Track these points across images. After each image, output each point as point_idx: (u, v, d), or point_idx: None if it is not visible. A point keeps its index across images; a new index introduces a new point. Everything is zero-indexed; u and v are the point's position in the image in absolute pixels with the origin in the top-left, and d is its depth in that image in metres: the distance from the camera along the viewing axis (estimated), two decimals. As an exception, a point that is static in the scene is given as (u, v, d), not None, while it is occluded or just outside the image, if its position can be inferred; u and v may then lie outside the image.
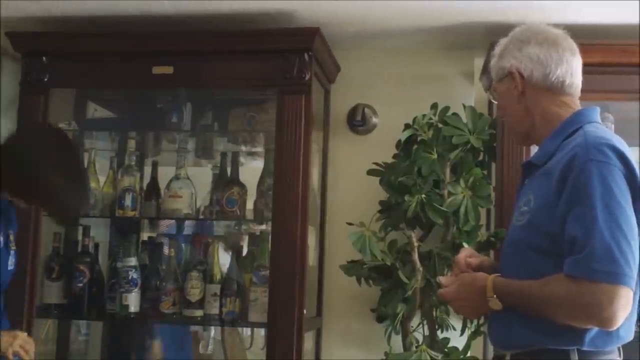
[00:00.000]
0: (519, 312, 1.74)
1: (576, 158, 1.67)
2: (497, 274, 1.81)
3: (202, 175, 3.39)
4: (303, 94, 2.96)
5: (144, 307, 3.15)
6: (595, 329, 1.66)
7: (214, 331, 3.54)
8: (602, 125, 1.85)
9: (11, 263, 2.49)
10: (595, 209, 1.61)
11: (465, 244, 2.65)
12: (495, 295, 1.75)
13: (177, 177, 3.23)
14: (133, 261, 3.16)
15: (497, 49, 1.98)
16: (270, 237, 2.99)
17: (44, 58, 3.12)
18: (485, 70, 3.16)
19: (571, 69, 1.87)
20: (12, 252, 2.49)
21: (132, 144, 3.31)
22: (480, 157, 3.10)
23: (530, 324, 1.72)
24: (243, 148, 3.52)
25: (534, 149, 2.94)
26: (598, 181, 1.63)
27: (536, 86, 1.87)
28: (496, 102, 2.03)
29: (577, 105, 1.90)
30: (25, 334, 2.44)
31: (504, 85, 1.93)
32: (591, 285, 1.58)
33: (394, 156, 3.12)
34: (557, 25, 1.93)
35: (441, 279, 1.94)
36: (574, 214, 1.64)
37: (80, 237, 3.33)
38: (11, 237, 2.50)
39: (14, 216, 2.56)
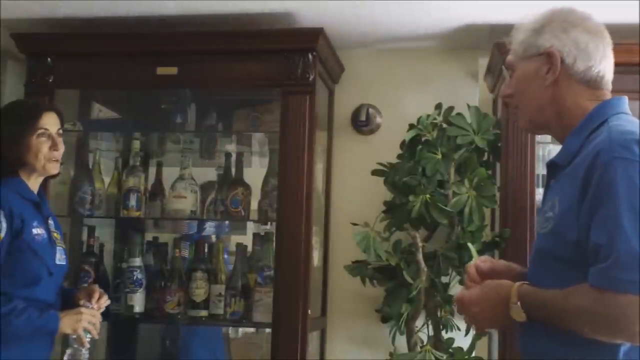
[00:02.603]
0: (544, 324, 1.60)
1: (599, 156, 1.51)
2: (524, 282, 1.65)
3: (206, 176, 3.39)
4: (307, 94, 2.96)
5: (148, 308, 3.16)
6: None
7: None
8: (631, 117, 1.67)
9: (60, 258, 2.47)
10: (619, 212, 1.45)
11: (470, 245, 2.65)
12: (519, 303, 1.59)
13: (181, 178, 3.23)
14: (138, 261, 3.17)
15: (532, 23, 1.73)
16: (274, 237, 3.00)
17: (48, 59, 3.13)
18: (490, 70, 3.16)
19: (611, 66, 1.72)
20: (59, 248, 2.48)
21: (136, 145, 3.31)
22: (485, 157, 3.10)
23: (556, 335, 1.57)
24: (247, 148, 3.52)
25: (539, 148, 3.00)
26: (623, 181, 1.46)
27: (573, 77, 1.68)
28: (509, 79, 1.80)
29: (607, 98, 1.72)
30: (89, 305, 2.43)
31: (531, 64, 1.71)
32: (618, 297, 1.43)
33: (399, 156, 3.12)
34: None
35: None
36: (597, 218, 1.48)
37: (85, 238, 3.34)
38: (56, 235, 2.49)
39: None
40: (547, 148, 3.15)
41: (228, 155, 3.35)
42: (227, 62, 3.04)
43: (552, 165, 1.73)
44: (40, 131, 2.43)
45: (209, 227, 3.61)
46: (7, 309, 2.26)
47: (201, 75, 3.08)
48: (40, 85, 3.12)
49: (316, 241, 3.17)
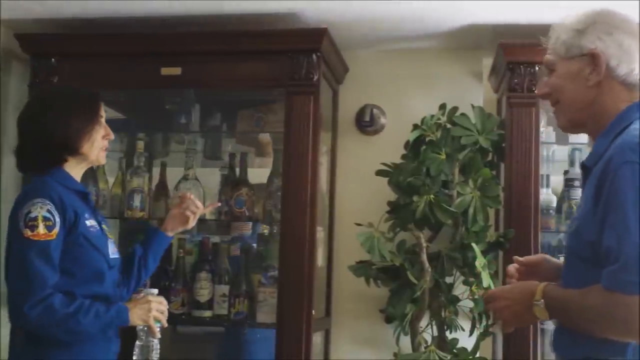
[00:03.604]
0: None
1: (612, 161, 1.55)
2: (550, 282, 1.69)
3: (210, 176, 3.40)
4: (311, 94, 2.96)
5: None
6: None
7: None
8: None
9: (113, 251, 2.31)
10: (627, 216, 1.49)
11: (474, 245, 2.65)
12: (542, 301, 1.64)
13: (185, 178, 3.23)
14: (142, 262, 3.16)
15: (574, 24, 1.72)
16: (279, 237, 2.99)
17: (52, 59, 3.13)
18: (494, 70, 3.16)
19: None
20: (110, 240, 2.34)
21: (140, 145, 3.31)
22: (489, 158, 3.10)
23: (569, 333, 1.65)
24: (251, 149, 3.51)
25: (543, 148, 3.00)
26: (630, 185, 1.50)
27: (615, 79, 1.68)
28: (546, 78, 1.80)
29: None
30: (154, 291, 2.27)
31: (574, 64, 1.71)
32: (626, 298, 1.47)
33: (403, 157, 3.12)
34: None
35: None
36: (608, 222, 1.52)
37: (89, 238, 3.33)
38: (104, 226, 2.33)
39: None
40: (552, 148, 3.15)
41: (232, 155, 3.35)
42: (230, 63, 3.04)
43: (584, 167, 1.75)
44: (100, 119, 2.31)
45: (213, 228, 3.61)
46: (74, 307, 2.08)
47: (205, 76, 3.08)
48: (44, 86, 3.12)
49: (320, 241, 3.17)
